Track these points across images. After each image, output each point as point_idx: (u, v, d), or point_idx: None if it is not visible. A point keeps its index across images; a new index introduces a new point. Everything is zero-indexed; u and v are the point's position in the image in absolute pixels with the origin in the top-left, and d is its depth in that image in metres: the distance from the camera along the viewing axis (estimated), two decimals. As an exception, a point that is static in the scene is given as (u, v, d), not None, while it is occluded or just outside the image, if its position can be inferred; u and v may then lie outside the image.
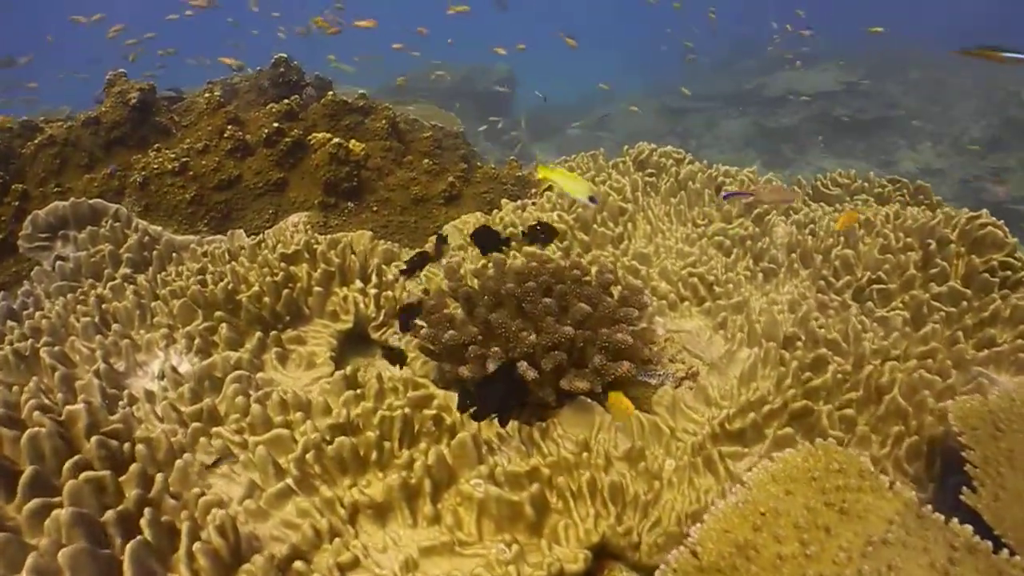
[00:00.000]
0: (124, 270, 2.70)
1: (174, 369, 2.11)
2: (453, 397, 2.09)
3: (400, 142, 3.55)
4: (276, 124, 3.14)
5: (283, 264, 2.45)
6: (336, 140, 3.10)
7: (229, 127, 3.16)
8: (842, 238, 2.80)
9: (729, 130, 9.86)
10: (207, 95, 3.37)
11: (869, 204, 3.45)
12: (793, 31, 9.98)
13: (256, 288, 2.33)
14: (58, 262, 2.74)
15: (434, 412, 1.96)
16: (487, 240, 2.56)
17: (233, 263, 2.51)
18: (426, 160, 3.36)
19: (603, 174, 3.43)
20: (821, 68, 10.30)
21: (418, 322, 2.27)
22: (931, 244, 2.57)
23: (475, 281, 2.36)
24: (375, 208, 3.17)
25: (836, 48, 10.60)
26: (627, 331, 2.07)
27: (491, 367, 2.07)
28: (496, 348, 2.10)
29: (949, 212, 2.79)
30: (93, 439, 1.75)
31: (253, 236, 2.98)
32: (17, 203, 3.06)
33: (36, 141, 3.27)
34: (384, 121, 3.51)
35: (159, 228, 2.91)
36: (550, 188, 3.53)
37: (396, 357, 2.36)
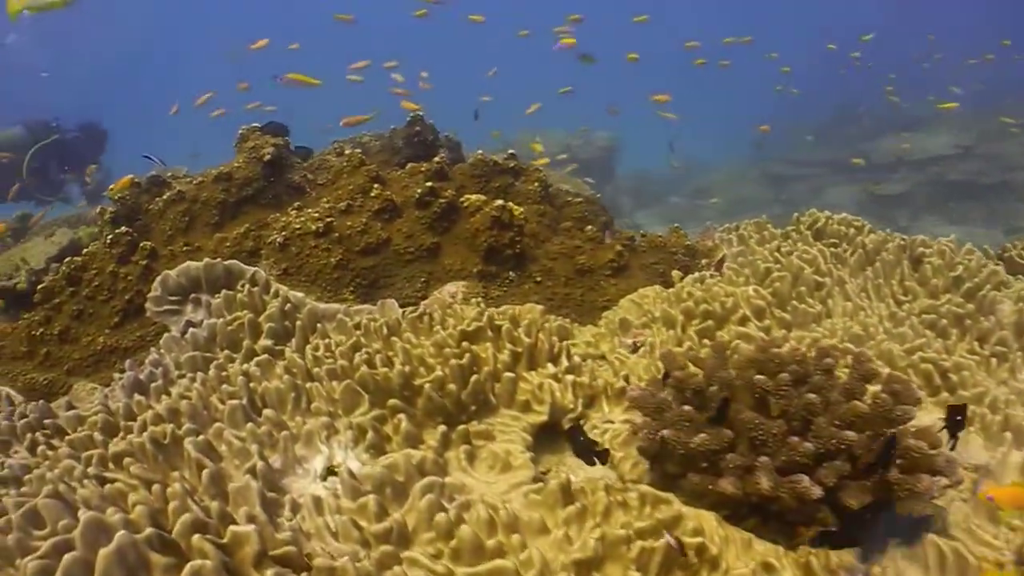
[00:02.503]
0: (265, 341, 2.26)
1: (351, 474, 1.61)
2: (707, 517, 1.57)
3: (551, 206, 3.11)
4: (430, 184, 2.72)
5: (465, 344, 1.98)
6: (499, 203, 2.68)
7: (375, 186, 2.75)
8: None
9: (837, 197, 9.23)
10: (347, 152, 3.00)
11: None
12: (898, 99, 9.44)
13: (439, 372, 1.85)
14: (190, 329, 2.31)
15: (698, 541, 1.44)
16: None
17: (405, 341, 2.04)
18: (589, 227, 2.91)
19: (785, 242, 2.94)
20: (931, 130, 9.66)
21: (632, 418, 1.77)
22: None
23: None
24: (538, 278, 2.70)
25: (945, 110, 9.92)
26: (911, 434, 1.57)
27: (765, 483, 1.55)
28: (764, 458, 1.58)
29: None
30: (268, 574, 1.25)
31: (405, 307, 2.53)
32: (145, 262, 2.68)
33: (164, 197, 2.92)
34: (536, 183, 3.08)
35: (300, 294, 2.47)
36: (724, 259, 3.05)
37: (590, 452, 1.88)
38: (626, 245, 2.92)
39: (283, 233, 2.59)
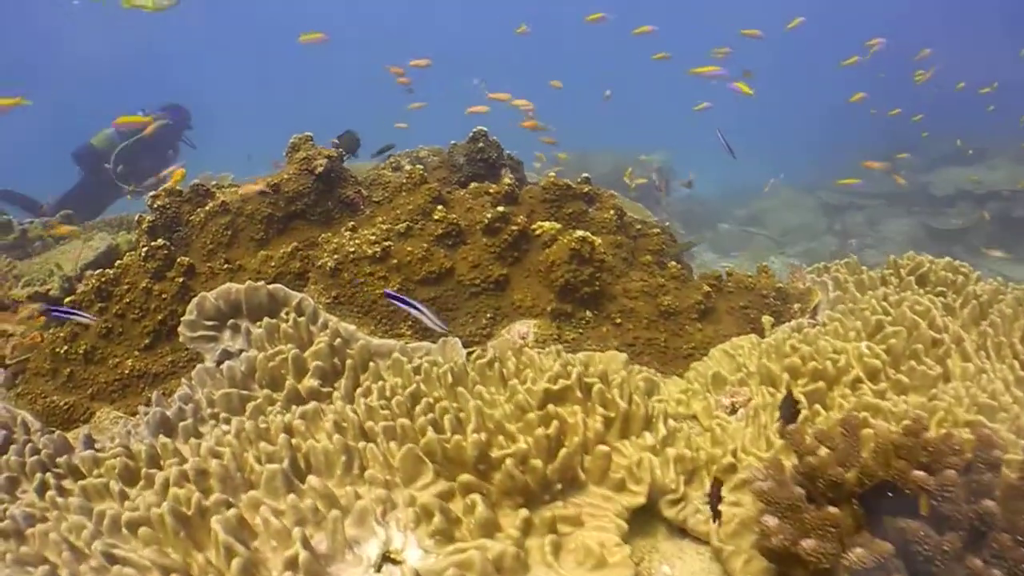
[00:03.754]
0: (311, 382, 1.92)
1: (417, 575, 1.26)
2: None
3: (626, 236, 2.75)
4: (501, 209, 2.38)
5: (551, 408, 1.62)
6: (580, 234, 2.32)
7: (438, 208, 2.41)
8: None
9: (894, 230, 8.63)
10: (407, 168, 2.66)
11: None
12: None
13: (522, 444, 1.49)
14: (227, 362, 1.98)
15: None
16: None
17: (475, 395, 1.69)
18: (673, 263, 2.53)
19: (887, 288, 2.55)
20: (991, 164, 9.04)
21: (768, 522, 1.40)
22: None
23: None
24: (617, 320, 2.34)
25: (1007, 140, 9.24)
26: None
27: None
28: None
29: None
30: None
31: (468, 346, 2.18)
32: (181, 279, 2.36)
33: (207, 208, 2.60)
34: (612, 211, 2.72)
35: (351, 327, 2.13)
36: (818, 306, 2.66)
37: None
38: (713, 285, 2.55)
39: (335, 257, 2.26)
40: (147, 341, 2.33)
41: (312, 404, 1.73)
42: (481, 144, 3.10)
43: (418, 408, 1.73)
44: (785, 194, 9.62)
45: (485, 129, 3.15)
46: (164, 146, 6.18)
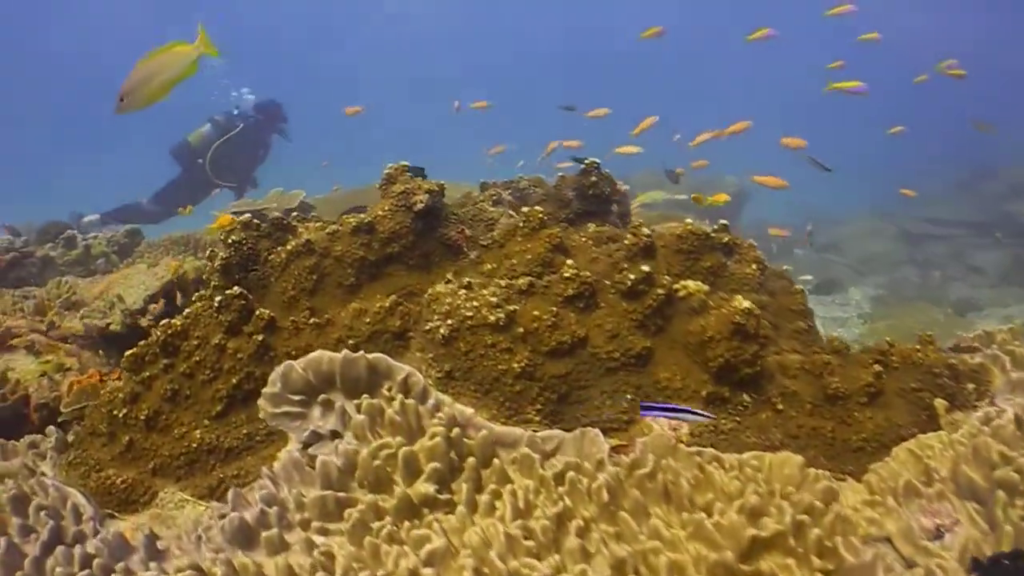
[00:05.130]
0: (425, 487, 1.48)
1: None
2: None
3: (768, 294, 2.27)
4: (646, 268, 1.92)
5: (752, 531, 1.15)
6: (744, 305, 1.87)
7: (566, 263, 1.96)
8: None
9: (981, 262, 7.95)
10: (524, 210, 2.22)
11: None
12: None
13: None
14: (320, 458, 1.55)
15: None
16: None
17: (653, 538, 1.23)
18: (835, 337, 2.05)
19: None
20: None
21: None
22: None
23: None
24: (779, 405, 1.86)
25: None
26: None
27: None
28: None
29: None
30: None
31: (605, 432, 1.72)
32: (260, 337, 1.94)
33: (289, 247, 2.19)
34: (754, 265, 2.25)
35: (468, 410, 1.69)
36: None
37: None
38: (880, 362, 2.05)
39: (449, 323, 1.82)
40: (219, 408, 1.92)
41: (441, 544, 1.28)
42: (594, 178, 2.65)
43: (570, 541, 1.28)
44: (863, 221, 8.94)
45: (598, 161, 2.71)
46: (257, 143, 6.17)
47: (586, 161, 2.74)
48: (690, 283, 2.04)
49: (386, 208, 2.24)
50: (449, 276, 2.28)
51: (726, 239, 2.28)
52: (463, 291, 1.91)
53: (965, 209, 8.03)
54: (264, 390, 1.76)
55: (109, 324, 2.76)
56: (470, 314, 1.84)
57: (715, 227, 2.34)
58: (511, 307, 1.86)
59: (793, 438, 1.85)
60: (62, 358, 2.97)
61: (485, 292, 1.90)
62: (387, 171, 2.34)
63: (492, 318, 1.82)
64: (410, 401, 1.67)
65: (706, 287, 2.00)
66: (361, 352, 1.73)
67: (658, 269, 2.11)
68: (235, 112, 6.19)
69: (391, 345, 2.01)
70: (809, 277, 7.14)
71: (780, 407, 1.88)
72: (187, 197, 6.00)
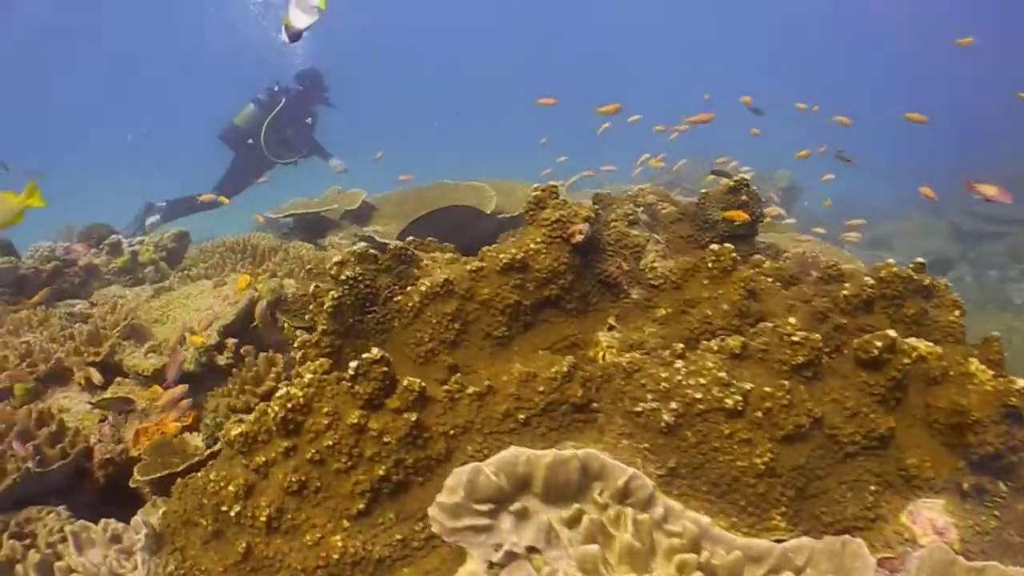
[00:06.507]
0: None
1: None
2: None
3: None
4: (892, 334, 1.46)
5: None
6: (1019, 386, 1.40)
7: (790, 323, 1.51)
8: None
9: None
10: (714, 248, 1.77)
11: None
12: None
13: None
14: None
15: None
16: None
17: None
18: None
19: None
20: None
21: None
22: None
23: None
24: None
25: None
26: None
27: None
28: None
29: None
30: None
31: (846, 532, 1.28)
32: (414, 417, 1.47)
33: (423, 288, 1.71)
34: (957, 312, 1.80)
35: (704, 519, 1.24)
36: None
37: None
38: None
39: (673, 405, 1.36)
40: (361, 505, 1.46)
41: None
42: (744, 197, 2.17)
43: None
44: (912, 216, 8.41)
45: (747, 177, 2.23)
46: (303, 114, 5.85)
47: (735, 177, 2.27)
48: (920, 344, 1.59)
49: (538, 240, 1.76)
50: (611, 321, 1.83)
51: (926, 281, 1.81)
52: (679, 363, 1.45)
53: (1017, 205, 7.45)
54: (440, 499, 1.30)
55: (182, 363, 2.28)
56: (699, 395, 1.38)
57: (912, 265, 1.87)
58: (745, 385, 1.39)
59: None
60: (122, 395, 2.50)
61: (709, 364, 1.43)
62: (535, 194, 1.86)
63: (729, 402, 1.36)
64: (643, 517, 1.21)
65: (939, 349, 1.54)
66: (572, 451, 1.28)
67: (881, 323, 1.66)
68: (276, 88, 5.82)
69: (569, 419, 1.55)
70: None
71: (1057, 501, 1.44)
72: (248, 178, 5.87)
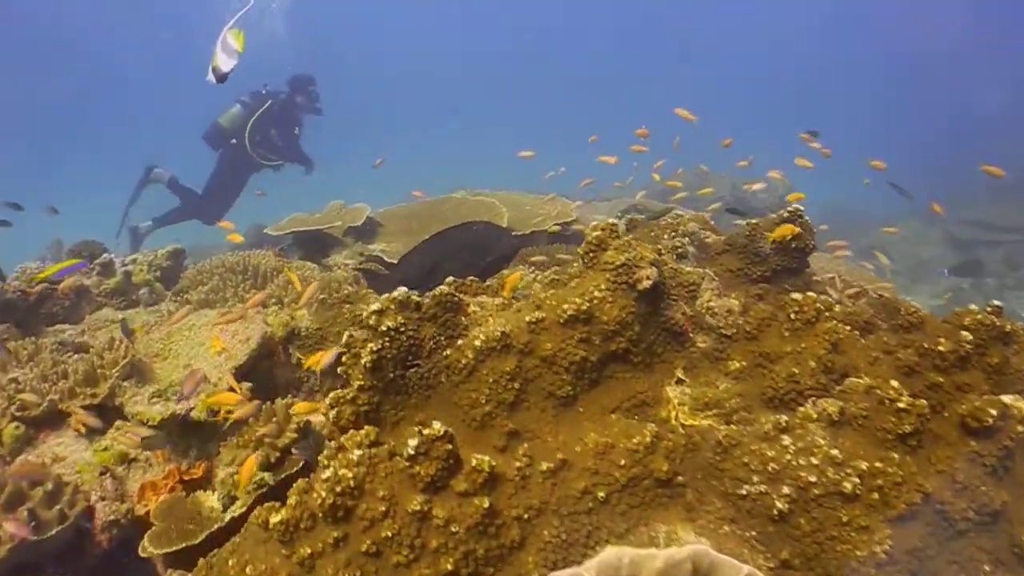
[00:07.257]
0: None
1: None
2: None
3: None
4: (1007, 400, 1.32)
5: None
6: None
7: (892, 387, 1.36)
8: None
9: None
10: (799, 298, 1.60)
11: None
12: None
13: None
14: None
15: None
16: None
17: None
18: None
19: None
20: None
21: None
22: None
23: None
24: None
25: None
26: None
27: None
28: None
29: None
30: None
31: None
32: (487, 504, 1.28)
33: (476, 344, 1.51)
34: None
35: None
36: None
37: None
38: None
39: (786, 490, 1.18)
40: (426, 603, 1.25)
41: None
42: (798, 228, 2.01)
43: None
44: (910, 224, 8.30)
45: (802, 208, 2.07)
46: (291, 119, 5.64)
47: (790, 208, 2.10)
48: (1021, 402, 1.43)
49: (603, 288, 1.57)
50: (679, 374, 1.65)
51: (1008, 327, 1.66)
52: (786, 437, 1.26)
53: (1012, 213, 7.39)
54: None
55: (191, 411, 2.05)
56: (813, 479, 1.20)
57: (990, 308, 1.72)
58: (861, 464, 1.22)
59: None
60: (123, 443, 2.25)
61: (820, 441, 1.25)
62: (594, 234, 1.66)
63: (848, 485, 1.19)
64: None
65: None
66: (682, 550, 1.09)
67: (977, 381, 1.50)
68: (264, 90, 5.59)
69: (651, 494, 1.36)
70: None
71: None
72: (234, 179, 5.68)
